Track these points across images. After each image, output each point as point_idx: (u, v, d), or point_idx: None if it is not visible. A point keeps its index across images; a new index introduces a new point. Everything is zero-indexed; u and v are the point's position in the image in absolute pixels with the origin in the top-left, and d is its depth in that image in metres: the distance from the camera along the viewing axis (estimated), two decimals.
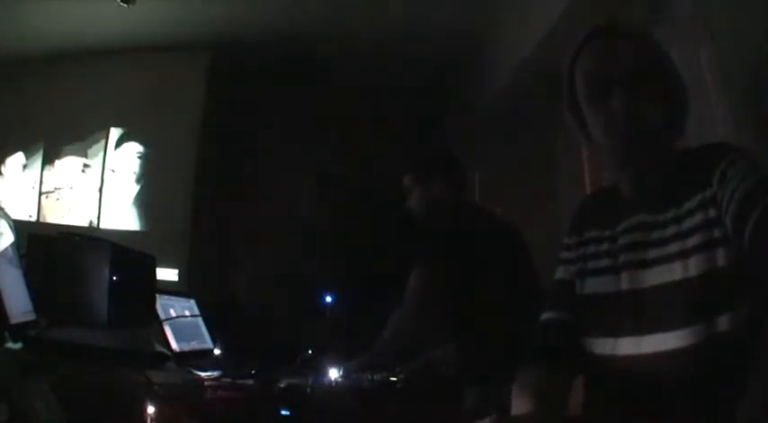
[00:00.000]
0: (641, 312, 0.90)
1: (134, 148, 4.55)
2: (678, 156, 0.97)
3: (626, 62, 0.94)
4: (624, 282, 0.94)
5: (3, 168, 4.59)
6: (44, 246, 1.67)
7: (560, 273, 1.10)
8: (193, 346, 2.11)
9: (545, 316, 1.07)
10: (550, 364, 1.00)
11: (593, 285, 1.00)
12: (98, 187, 4.50)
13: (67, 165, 4.56)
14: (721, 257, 0.84)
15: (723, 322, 0.82)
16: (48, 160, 4.56)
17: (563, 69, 1.02)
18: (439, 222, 1.91)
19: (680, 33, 1.93)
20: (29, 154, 4.58)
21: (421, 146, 2.44)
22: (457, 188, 2.01)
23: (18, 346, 1.26)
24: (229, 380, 1.66)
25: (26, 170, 4.59)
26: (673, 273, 0.88)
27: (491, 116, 4.16)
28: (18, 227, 1.50)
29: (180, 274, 4.09)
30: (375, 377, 1.72)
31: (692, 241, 0.87)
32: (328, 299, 4.36)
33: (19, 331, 1.28)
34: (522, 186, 3.72)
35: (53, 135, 4.57)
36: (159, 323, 1.96)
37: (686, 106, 0.98)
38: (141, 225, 4.44)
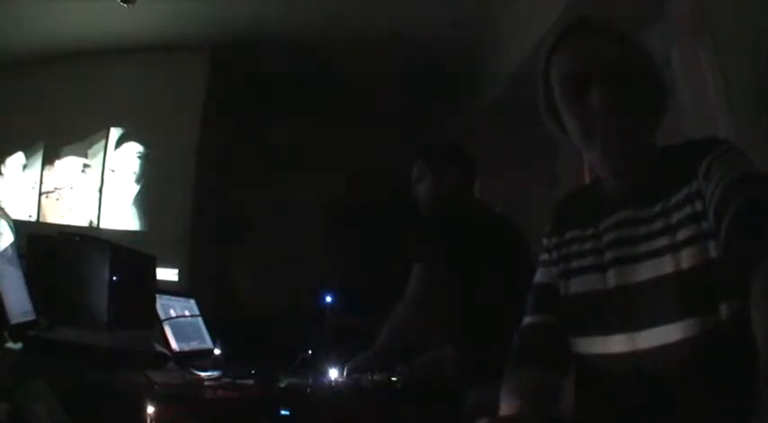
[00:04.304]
0: (633, 308, 0.89)
1: (134, 148, 4.55)
2: (663, 151, 0.97)
3: (602, 60, 0.92)
4: (612, 279, 0.93)
5: (3, 168, 4.59)
6: (44, 246, 1.67)
7: (540, 276, 1.08)
8: (193, 346, 2.11)
9: (527, 320, 1.06)
10: (536, 366, 0.99)
11: (578, 285, 1.00)
12: (98, 187, 4.51)
13: (67, 165, 4.56)
14: (713, 249, 0.83)
15: (719, 313, 0.82)
16: (48, 160, 4.56)
17: (538, 70, 1.01)
18: (446, 215, 1.90)
19: (680, 33, 1.93)
20: (29, 154, 4.59)
21: (426, 144, 2.44)
22: (468, 183, 2.00)
23: (18, 346, 1.26)
24: (229, 380, 1.66)
25: (26, 170, 4.59)
26: (664, 266, 0.87)
27: (491, 116, 4.16)
28: (18, 227, 1.49)
29: (180, 274, 4.09)
30: (375, 377, 1.72)
31: (683, 234, 0.86)
32: (328, 299, 4.35)
33: (19, 331, 1.28)
34: (522, 186, 3.73)
35: (53, 135, 4.57)
36: (159, 323, 1.96)
37: (665, 100, 0.97)
38: (141, 225, 4.44)
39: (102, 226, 4.40)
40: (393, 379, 1.75)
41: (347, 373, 1.76)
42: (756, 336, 0.71)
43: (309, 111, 4.86)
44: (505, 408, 0.94)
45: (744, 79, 1.62)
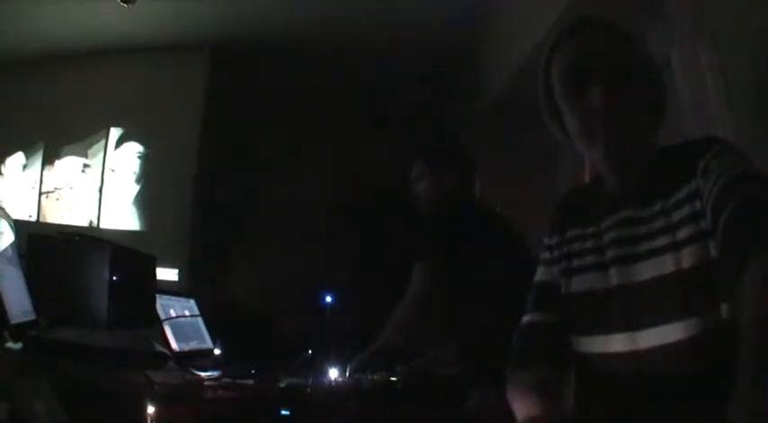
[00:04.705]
0: (634, 307, 0.89)
1: (134, 148, 4.55)
2: (663, 150, 0.97)
3: (602, 58, 0.93)
4: (614, 277, 0.93)
5: (3, 168, 4.59)
6: (44, 246, 1.67)
7: (541, 274, 1.09)
8: (193, 346, 2.11)
9: (528, 318, 1.06)
10: (540, 364, 0.99)
11: (579, 283, 1.00)
12: (98, 187, 4.50)
13: (67, 165, 4.56)
14: (713, 248, 0.83)
15: (720, 312, 0.82)
16: (48, 160, 4.56)
17: (539, 67, 1.02)
18: (446, 215, 1.90)
19: (680, 33, 1.93)
20: (29, 154, 4.58)
21: (426, 144, 2.46)
22: (468, 183, 2.01)
23: (18, 346, 1.26)
24: (229, 380, 1.66)
25: (26, 170, 4.59)
26: (665, 265, 0.87)
27: (491, 116, 4.16)
28: (18, 227, 1.49)
29: (180, 274, 4.09)
30: (375, 377, 1.72)
31: (683, 233, 0.87)
32: (328, 299, 4.35)
33: (19, 331, 1.28)
34: (523, 186, 3.73)
35: (53, 135, 4.57)
36: (159, 323, 1.96)
37: (664, 99, 0.97)
38: (141, 225, 4.44)
39: (102, 226, 4.40)
40: (393, 379, 1.75)
41: (349, 374, 1.76)
42: (740, 332, 0.71)
43: (309, 110, 4.86)
44: (525, 409, 0.92)
45: (744, 79, 1.61)
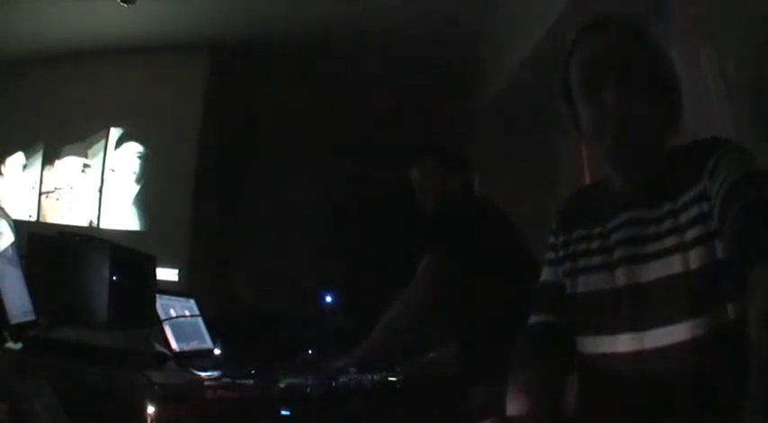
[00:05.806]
0: (641, 308, 0.89)
1: (134, 148, 4.56)
2: (671, 151, 0.97)
3: (620, 58, 0.94)
4: (621, 277, 0.93)
5: (3, 168, 4.59)
6: (44, 246, 1.67)
7: (546, 275, 1.09)
8: (193, 346, 2.10)
9: (533, 319, 1.06)
10: (543, 365, 0.99)
11: (586, 284, 0.99)
12: (98, 187, 4.51)
13: (67, 165, 4.56)
14: (720, 249, 0.84)
15: (727, 312, 0.82)
16: (48, 160, 4.56)
17: (559, 61, 1.02)
18: (451, 212, 1.91)
19: (680, 33, 1.93)
20: (29, 154, 4.59)
21: (428, 144, 2.48)
22: (468, 182, 2.02)
23: (18, 346, 1.26)
24: (229, 380, 1.66)
25: (26, 170, 4.59)
26: (673, 266, 0.87)
27: (491, 116, 4.16)
28: (18, 227, 1.49)
29: (180, 274, 4.09)
30: (375, 377, 1.72)
31: (691, 234, 0.87)
32: (328, 299, 4.37)
33: (19, 331, 1.28)
34: (522, 186, 3.73)
35: (53, 135, 4.57)
36: (159, 323, 1.96)
37: (680, 102, 0.98)
38: (141, 225, 4.44)
39: (102, 226, 4.40)
40: (393, 379, 1.75)
41: (346, 367, 1.73)
42: (750, 335, 0.71)
43: (309, 111, 4.86)
44: (513, 408, 0.93)
45: (744, 79, 1.61)
